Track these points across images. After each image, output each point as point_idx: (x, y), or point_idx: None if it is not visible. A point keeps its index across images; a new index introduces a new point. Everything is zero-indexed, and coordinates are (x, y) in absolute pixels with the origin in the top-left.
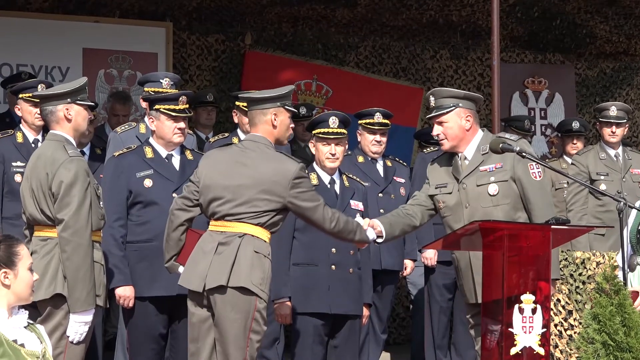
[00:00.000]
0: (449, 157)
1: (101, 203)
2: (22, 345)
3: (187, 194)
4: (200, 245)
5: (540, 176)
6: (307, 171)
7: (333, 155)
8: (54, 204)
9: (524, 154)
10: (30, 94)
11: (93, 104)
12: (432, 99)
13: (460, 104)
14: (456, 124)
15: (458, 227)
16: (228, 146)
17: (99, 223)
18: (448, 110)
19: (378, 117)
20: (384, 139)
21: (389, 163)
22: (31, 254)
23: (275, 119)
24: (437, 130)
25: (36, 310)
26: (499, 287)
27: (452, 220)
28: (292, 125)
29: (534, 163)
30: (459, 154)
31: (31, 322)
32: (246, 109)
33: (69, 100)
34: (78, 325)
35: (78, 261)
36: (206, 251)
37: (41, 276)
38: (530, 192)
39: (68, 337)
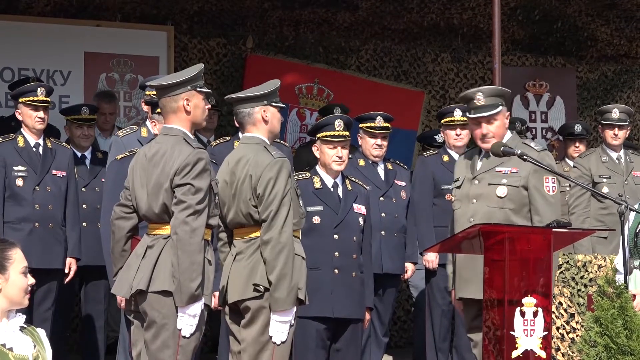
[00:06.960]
0: (477, 153)
1: (300, 202)
2: (10, 349)
3: (124, 200)
4: (135, 250)
5: (553, 191)
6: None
7: (340, 157)
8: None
9: (525, 157)
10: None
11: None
12: (480, 95)
13: (503, 103)
14: (502, 123)
15: (463, 220)
16: (148, 144)
17: (300, 222)
18: (498, 110)
19: (379, 121)
20: (385, 143)
21: (389, 166)
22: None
23: (187, 104)
24: (485, 129)
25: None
26: (500, 290)
27: (459, 214)
28: (208, 106)
29: (550, 177)
30: (484, 151)
31: (28, 325)
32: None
33: (265, 102)
34: (279, 325)
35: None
36: (138, 255)
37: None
38: (539, 205)
39: (271, 337)
